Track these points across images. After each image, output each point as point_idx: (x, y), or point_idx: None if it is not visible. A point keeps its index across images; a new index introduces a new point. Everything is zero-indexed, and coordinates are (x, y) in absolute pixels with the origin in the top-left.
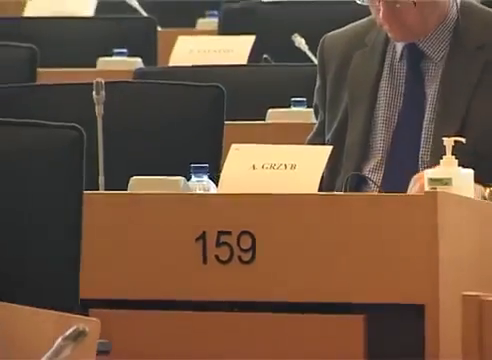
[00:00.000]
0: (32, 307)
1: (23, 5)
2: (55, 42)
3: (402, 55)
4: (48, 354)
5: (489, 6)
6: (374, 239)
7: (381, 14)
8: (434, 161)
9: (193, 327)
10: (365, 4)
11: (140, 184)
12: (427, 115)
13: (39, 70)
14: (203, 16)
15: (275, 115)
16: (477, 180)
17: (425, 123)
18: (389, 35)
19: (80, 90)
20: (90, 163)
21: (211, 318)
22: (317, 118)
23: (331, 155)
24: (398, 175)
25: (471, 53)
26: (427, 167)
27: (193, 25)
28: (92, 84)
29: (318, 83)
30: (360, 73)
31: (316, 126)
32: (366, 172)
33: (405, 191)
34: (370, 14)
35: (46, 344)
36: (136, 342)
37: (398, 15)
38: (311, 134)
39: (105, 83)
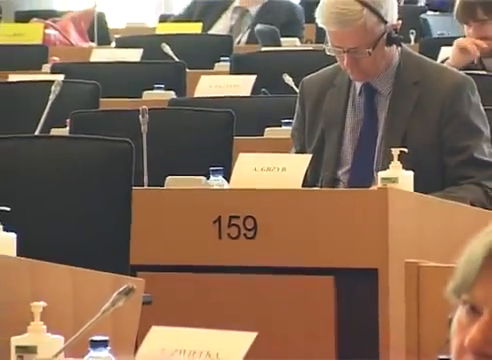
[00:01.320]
0: (95, 271)
1: (89, 53)
2: (112, 79)
3: (361, 91)
4: (106, 305)
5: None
6: (340, 222)
7: (345, 62)
8: (384, 166)
9: (210, 285)
10: (332, 54)
11: (173, 182)
12: (379, 134)
13: (101, 100)
14: (219, 61)
15: (270, 132)
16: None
17: (378, 140)
18: (351, 77)
19: (130, 114)
20: (137, 167)
21: (224, 279)
22: (294, 137)
23: (313, 163)
24: (360, 177)
25: (409, 88)
26: (379, 171)
27: (212, 67)
28: (139, 110)
29: (298, 113)
30: (332, 106)
31: (298, 147)
32: (339, 176)
33: (365, 187)
34: (337, 61)
35: (104, 298)
36: (170, 296)
37: (357, 62)
38: (294, 152)
39: (148, 109)
